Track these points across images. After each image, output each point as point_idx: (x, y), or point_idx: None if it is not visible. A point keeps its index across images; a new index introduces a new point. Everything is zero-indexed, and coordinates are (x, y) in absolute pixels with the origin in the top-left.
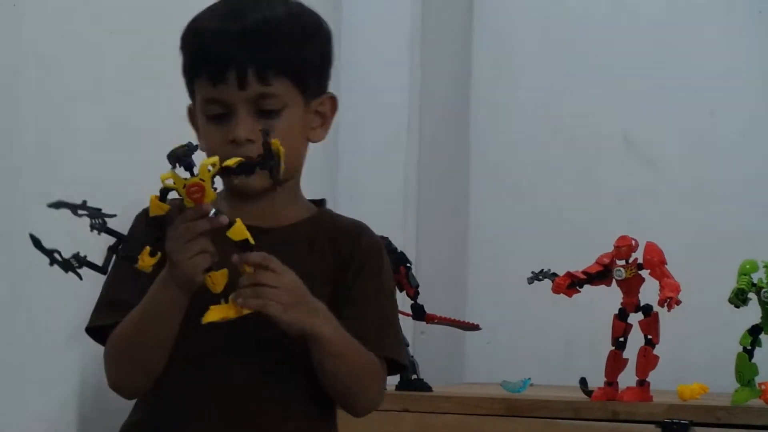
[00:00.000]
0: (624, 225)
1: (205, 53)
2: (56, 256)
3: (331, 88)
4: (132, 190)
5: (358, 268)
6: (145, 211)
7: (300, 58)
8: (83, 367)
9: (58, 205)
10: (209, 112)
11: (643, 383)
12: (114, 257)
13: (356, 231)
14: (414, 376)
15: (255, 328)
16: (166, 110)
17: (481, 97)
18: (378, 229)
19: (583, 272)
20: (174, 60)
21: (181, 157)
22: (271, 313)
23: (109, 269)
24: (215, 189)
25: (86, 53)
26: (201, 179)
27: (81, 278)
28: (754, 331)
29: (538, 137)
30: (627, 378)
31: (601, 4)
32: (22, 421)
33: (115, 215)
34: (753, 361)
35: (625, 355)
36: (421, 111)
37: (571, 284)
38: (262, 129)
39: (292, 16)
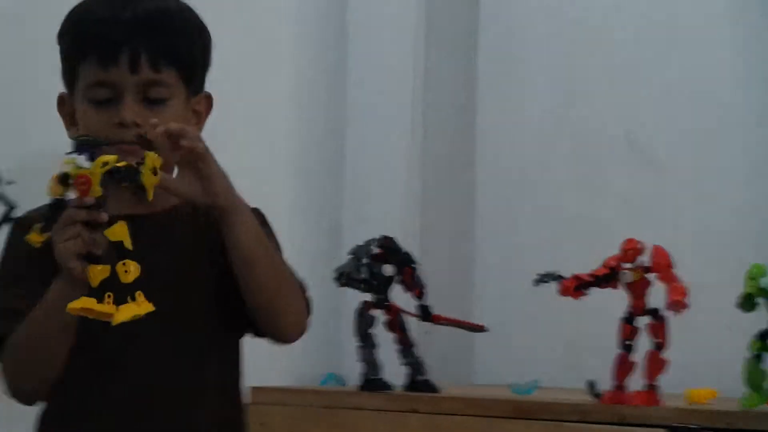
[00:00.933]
0: (631, 227)
1: (97, 35)
2: None
3: (338, 88)
4: None
5: None
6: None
7: (189, 51)
8: None
9: None
10: (95, 96)
11: (651, 387)
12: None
13: None
14: (421, 377)
15: (157, 318)
16: None
17: (487, 98)
18: (384, 230)
19: (590, 275)
20: None
21: (81, 146)
22: (208, 160)
23: None
24: (105, 186)
25: None
26: (90, 173)
27: None
28: (763, 337)
29: (543, 138)
30: (635, 382)
31: (605, 4)
32: None
33: (14, 182)
34: (762, 366)
35: (633, 358)
36: (426, 112)
37: (578, 286)
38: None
39: (180, 10)
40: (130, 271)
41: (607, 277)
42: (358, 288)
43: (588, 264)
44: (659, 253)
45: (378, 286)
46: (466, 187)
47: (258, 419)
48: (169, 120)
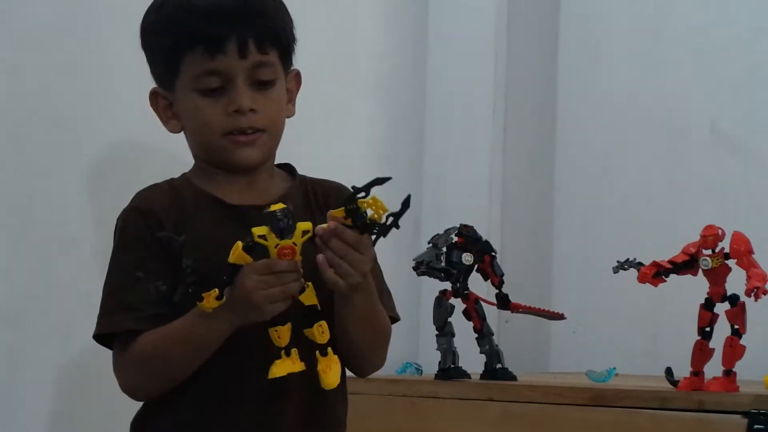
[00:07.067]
0: (711, 214)
1: (203, 25)
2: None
3: (418, 79)
4: None
5: None
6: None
7: (285, 30)
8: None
9: None
10: (204, 86)
11: (729, 373)
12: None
13: (344, 192)
14: (498, 365)
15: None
16: None
17: (568, 85)
18: (463, 218)
19: (669, 261)
20: None
21: (273, 221)
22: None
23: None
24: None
25: None
26: (294, 243)
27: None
28: None
29: (624, 124)
30: (713, 368)
31: None
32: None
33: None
34: None
35: (711, 345)
36: (507, 99)
37: (656, 273)
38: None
39: None
40: (325, 331)
41: (686, 264)
42: (436, 277)
43: (668, 252)
44: (739, 239)
45: (457, 274)
46: (546, 174)
47: None
48: (277, 101)
